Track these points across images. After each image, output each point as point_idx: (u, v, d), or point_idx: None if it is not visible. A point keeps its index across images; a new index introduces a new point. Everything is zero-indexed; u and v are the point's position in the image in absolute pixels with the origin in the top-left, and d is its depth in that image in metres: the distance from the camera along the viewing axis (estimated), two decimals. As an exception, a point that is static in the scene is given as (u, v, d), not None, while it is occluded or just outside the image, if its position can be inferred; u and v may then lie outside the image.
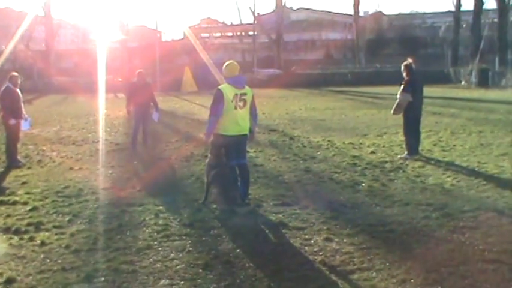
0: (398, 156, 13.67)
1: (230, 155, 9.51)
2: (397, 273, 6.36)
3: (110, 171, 12.86)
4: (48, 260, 6.97)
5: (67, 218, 8.84)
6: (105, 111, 27.01)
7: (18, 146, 14.43)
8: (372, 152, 14.60)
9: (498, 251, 7.03)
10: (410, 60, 13.92)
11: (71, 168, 13.22)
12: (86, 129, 20.87)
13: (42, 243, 7.61)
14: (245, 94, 9.43)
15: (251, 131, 9.78)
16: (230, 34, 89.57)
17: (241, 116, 9.42)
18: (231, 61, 9.78)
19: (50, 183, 11.57)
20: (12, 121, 13.56)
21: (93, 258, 7.02)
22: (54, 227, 8.40)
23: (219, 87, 9.41)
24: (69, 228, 8.31)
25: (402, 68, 13.84)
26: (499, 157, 13.55)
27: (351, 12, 71.87)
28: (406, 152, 13.72)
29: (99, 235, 8.00)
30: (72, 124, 22.64)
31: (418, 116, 13.95)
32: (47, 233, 8.10)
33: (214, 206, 9.34)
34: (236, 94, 9.30)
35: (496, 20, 54.45)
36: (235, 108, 9.30)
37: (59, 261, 6.94)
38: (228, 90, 9.30)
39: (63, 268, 6.69)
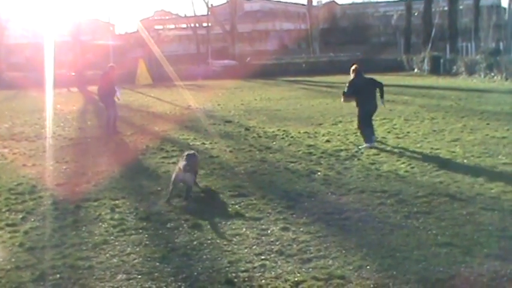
0: (360, 146, 13.58)
1: None
2: (353, 260, 6.45)
3: (64, 167, 12.68)
4: (1, 259, 6.85)
5: (20, 216, 8.71)
6: (58, 106, 26.62)
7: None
8: (327, 141, 14.70)
9: (450, 234, 7.19)
10: (355, 65, 14.19)
11: (24, 165, 12.99)
12: (38, 125, 20.50)
13: (-5, 242, 7.49)
14: None
15: None
16: (184, 26, 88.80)
17: None
18: None
19: (2, 180, 11.35)
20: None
21: (48, 256, 6.93)
22: (7, 225, 8.27)
23: None
24: (23, 226, 8.19)
25: (351, 71, 14.07)
26: (451, 143, 13.79)
27: (305, 2, 72.30)
28: (364, 144, 13.67)
29: (54, 232, 7.90)
30: (25, 120, 22.21)
31: (371, 112, 14.02)
32: None
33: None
34: None
35: (446, 8, 55.18)
36: None
37: (13, 259, 6.83)
38: None
39: (17, 267, 6.59)
